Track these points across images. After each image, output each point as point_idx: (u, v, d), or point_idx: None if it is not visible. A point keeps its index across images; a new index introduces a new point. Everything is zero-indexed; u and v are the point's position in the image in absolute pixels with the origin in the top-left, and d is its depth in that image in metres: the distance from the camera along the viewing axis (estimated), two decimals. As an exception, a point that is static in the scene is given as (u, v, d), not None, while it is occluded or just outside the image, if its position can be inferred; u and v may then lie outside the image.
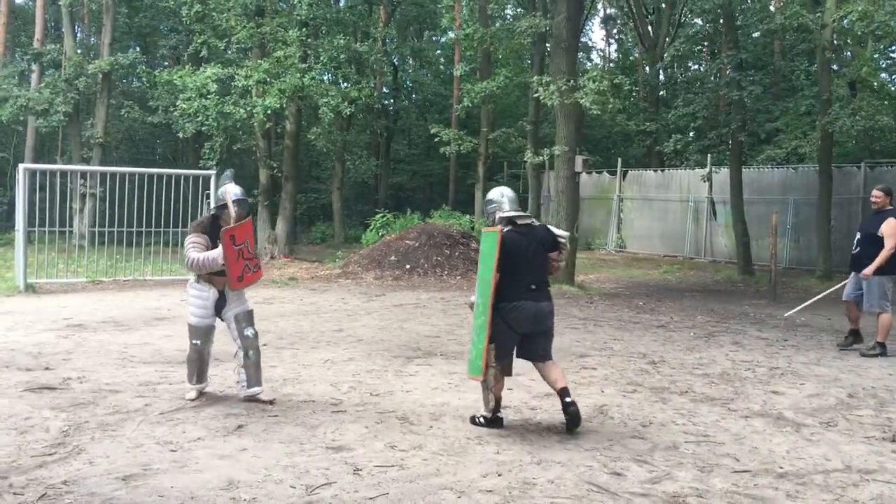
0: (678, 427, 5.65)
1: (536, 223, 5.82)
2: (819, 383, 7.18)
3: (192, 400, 6.08)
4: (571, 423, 5.45)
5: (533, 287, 5.54)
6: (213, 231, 6.04)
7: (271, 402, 6.08)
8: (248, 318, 6.19)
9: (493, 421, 5.59)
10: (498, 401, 5.59)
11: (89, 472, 4.46)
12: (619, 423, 5.74)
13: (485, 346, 5.35)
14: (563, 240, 5.75)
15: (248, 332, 6.14)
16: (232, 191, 6.07)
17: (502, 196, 5.81)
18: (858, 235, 8.91)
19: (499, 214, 5.72)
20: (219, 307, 6.16)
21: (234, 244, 5.87)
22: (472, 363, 5.51)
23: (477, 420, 5.64)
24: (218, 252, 5.87)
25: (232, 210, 6.00)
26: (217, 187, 6.24)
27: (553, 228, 5.89)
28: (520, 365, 7.52)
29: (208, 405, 5.96)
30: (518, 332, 5.54)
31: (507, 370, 5.65)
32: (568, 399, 5.46)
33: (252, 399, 6.08)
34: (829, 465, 4.90)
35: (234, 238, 5.88)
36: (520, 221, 5.68)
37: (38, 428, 5.29)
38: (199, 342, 6.12)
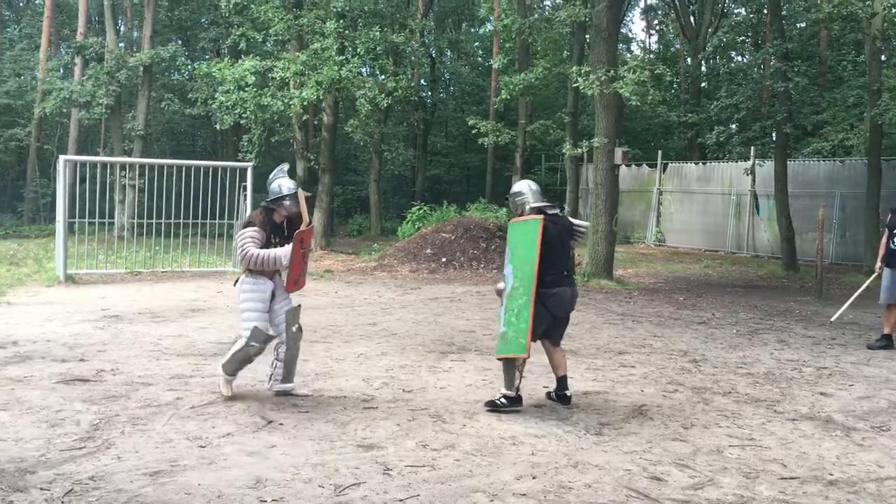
0: (721, 430, 5.44)
1: (560, 213, 6.15)
2: (869, 385, 6.89)
3: (229, 397, 5.85)
4: (561, 402, 5.99)
5: (565, 273, 5.96)
6: (268, 225, 5.86)
7: (307, 396, 6.05)
8: (295, 314, 6.04)
9: (516, 399, 5.78)
10: (520, 379, 5.83)
11: (117, 468, 4.40)
12: (659, 424, 5.55)
13: (529, 324, 5.53)
14: (582, 229, 6.18)
15: (295, 327, 6.01)
16: (289, 185, 5.89)
17: (529, 188, 6.10)
18: None
19: (529, 205, 5.98)
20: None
21: (301, 247, 5.76)
22: (513, 342, 5.63)
23: (499, 402, 5.77)
24: (284, 252, 5.70)
25: (303, 203, 5.80)
26: (270, 181, 6.01)
27: (573, 220, 6.25)
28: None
29: (239, 399, 5.89)
30: (555, 315, 5.90)
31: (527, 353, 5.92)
32: (568, 392, 6.00)
33: (286, 393, 6.01)
34: (882, 472, 4.66)
35: (303, 241, 5.77)
36: (549, 212, 5.97)
37: (69, 421, 5.25)
38: (258, 345, 5.79)
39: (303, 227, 5.80)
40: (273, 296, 5.92)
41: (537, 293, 5.62)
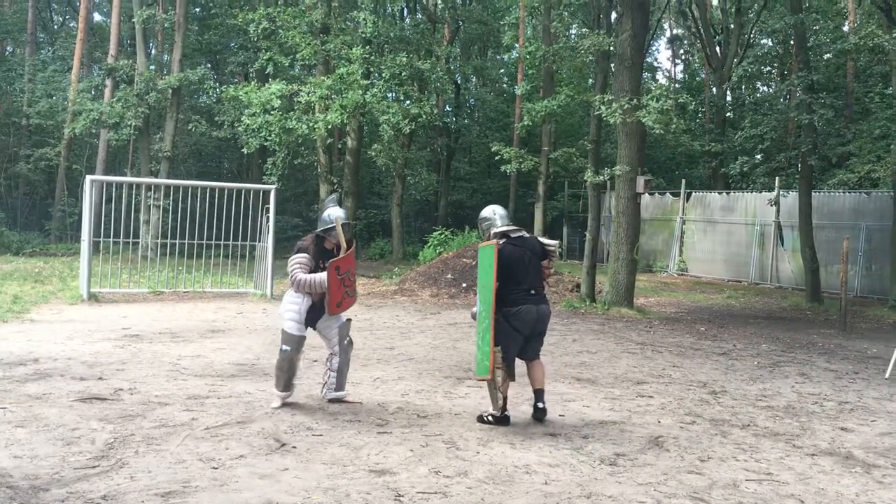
0: (739, 463, 5.36)
1: (527, 235, 6.40)
2: (892, 421, 6.77)
3: (276, 408, 6.29)
4: (536, 418, 6.15)
5: (532, 292, 6.12)
6: (317, 252, 6.38)
7: (358, 403, 6.59)
8: (347, 328, 6.63)
9: (501, 419, 6.04)
10: (505, 399, 6.06)
11: (129, 488, 4.41)
12: (675, 456, 5.48)
13: (491, 347, 5.83)
14: (552, 248, 6.37)
15: (347, 340, 6.61)
16: (336, 214, 6.38)
17: (494, 213, 6.40)
18: None
19: (493, 230, 6.30)
20: (313, 318, 6.45)
21: (338, 274, 6.29)
22: (480, 364, 6.01)
23: (486, 419, 6.09)
24: (323, 276, 6.22)
25: (341, 234, 6.32)
26: (321, 209, 6.67)
27: (542, 239, 6.48)
28: (572, 391, 7.34)
29: (253, 422, 5.90)
30: (523, 333, 6.08)
31: (510, 374, 6.11)
32: (540, 405, 6.13)
33: (339, 401, 6.54)
34: (903, 511, 4.57)
35: (339, 269, 6.30)
36: (513, 234, 6.26)
37: (85, 439, 5.29)
38: (289, 349, 6.33)
39: (341, 255, 6.33)
40: (317, 312, 6.44)
41: (502, 313, 5.97)
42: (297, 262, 6.30)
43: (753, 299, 18.21)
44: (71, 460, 4.85)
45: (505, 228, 6.29)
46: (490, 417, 6.08)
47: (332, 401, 6.54)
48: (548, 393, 7.05)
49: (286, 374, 6.39)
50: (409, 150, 27.50)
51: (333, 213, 6.40)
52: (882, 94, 23.34)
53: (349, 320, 6.69)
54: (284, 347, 6.34)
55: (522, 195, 29.96)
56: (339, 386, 6.59)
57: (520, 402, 6.67)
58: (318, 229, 6.51)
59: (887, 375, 8.89)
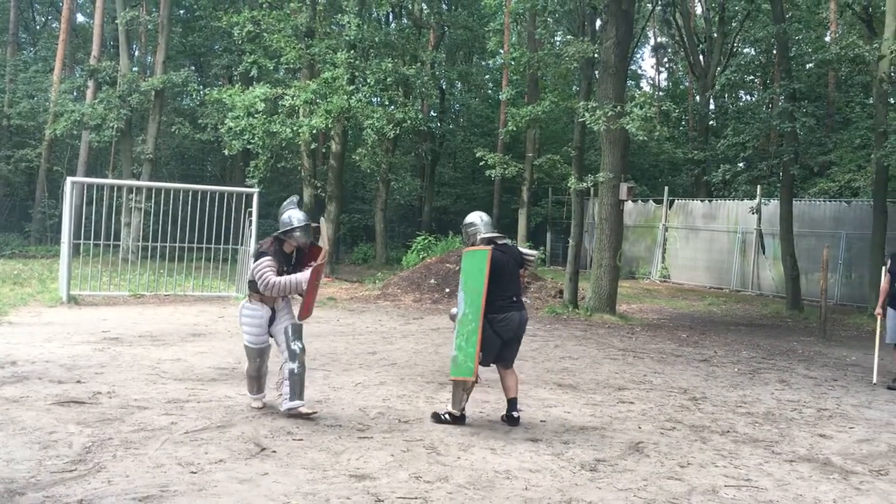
0: (718, 469, 5.38)
1: (510, 243, 6.52)
2: (870, 428, 6.83)
3: (258, 407, 6.41)
4: (510, 424, 6.24)
5: (514, 299, 6.22)
6: (276, 254, 6.16)
7: (314, 414, 6.18)
8: (297, 331, 6.26)
9: (459, 418, 6.16)
10: (466, 400, 6.19)
11: (106, 492, 4.37)
12: (655, 462, 5.49)
13: (477, 349, 5.88)
14: (530, 258, 6.47)
15: (296, 346, 6.18)
16: (297, 216, 6.23)
17: (480, 220, 6.46)
18: None
19: (479, 236, 6.35)
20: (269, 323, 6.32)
21: (315, 279, 6.14)
22: (462, 365, 6.00)
23: (443, 417, 6.17)
24: (305, 277, 6.07)
25: (325, 234, 6.29)
26: (280, 212, 6.40)
27: (522, 248, 6.60)
28: (554, 396, 7.35)
29: (233, 426, 5.86)
30: (504, 339, 6.16)
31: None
32: (515, 413, 6.24)
33: (293, 413, 6.11)
34: (880, 517, 4.60)
35: (319, 275, 6.20)
36: (499, 241, 6.33)
37: (62, 443, 5.23)
38: (257, 360, 6.33)
39: (321, 259, 6.14)
40: (273, 319, 6.27)
41: (487, 318, 5.99)
42: (266, 265, 6.02)
43: (734, 306, 18.32)
44: (48, 464, 4.79)
45: (491, 235, 6.37)
46: (448, 416, 6.16)
47: (287, 412, 6.08)
48: (530, 398, 7.11)
49: (256, 381, 6.43)
50: (394, 154, 27.46)
51: (296, 216, 6.21)
52: (863, 103, 23.60)
53: (300, 324, 6.28)
54: (253, 360, 6.35)
55: (507, 201, 29.99)
56: (293, 395, 6.05)
57: (501, 409, 6.67)
58: (278, 231, 6.27)
59: (874, 381, 9.02)
